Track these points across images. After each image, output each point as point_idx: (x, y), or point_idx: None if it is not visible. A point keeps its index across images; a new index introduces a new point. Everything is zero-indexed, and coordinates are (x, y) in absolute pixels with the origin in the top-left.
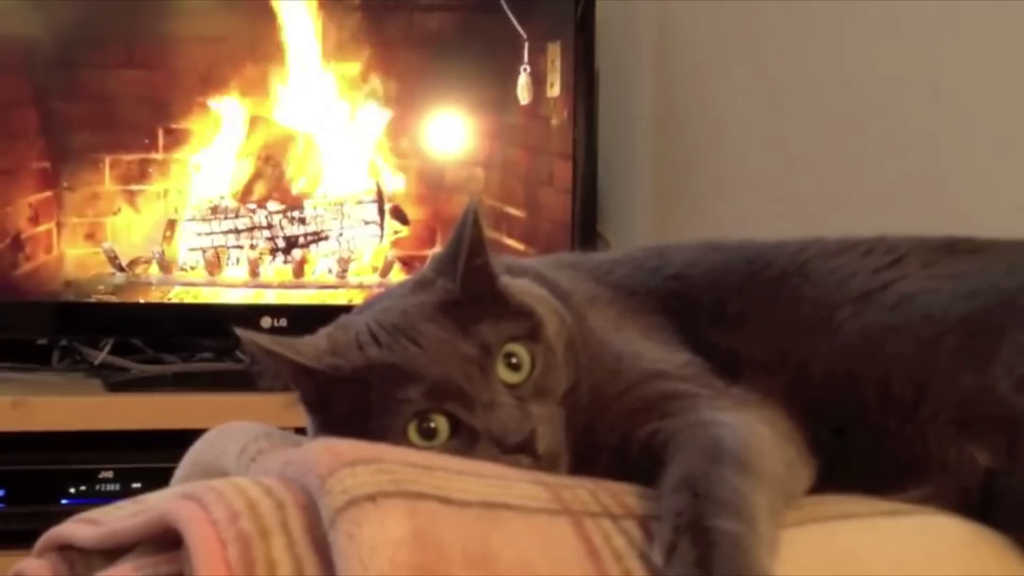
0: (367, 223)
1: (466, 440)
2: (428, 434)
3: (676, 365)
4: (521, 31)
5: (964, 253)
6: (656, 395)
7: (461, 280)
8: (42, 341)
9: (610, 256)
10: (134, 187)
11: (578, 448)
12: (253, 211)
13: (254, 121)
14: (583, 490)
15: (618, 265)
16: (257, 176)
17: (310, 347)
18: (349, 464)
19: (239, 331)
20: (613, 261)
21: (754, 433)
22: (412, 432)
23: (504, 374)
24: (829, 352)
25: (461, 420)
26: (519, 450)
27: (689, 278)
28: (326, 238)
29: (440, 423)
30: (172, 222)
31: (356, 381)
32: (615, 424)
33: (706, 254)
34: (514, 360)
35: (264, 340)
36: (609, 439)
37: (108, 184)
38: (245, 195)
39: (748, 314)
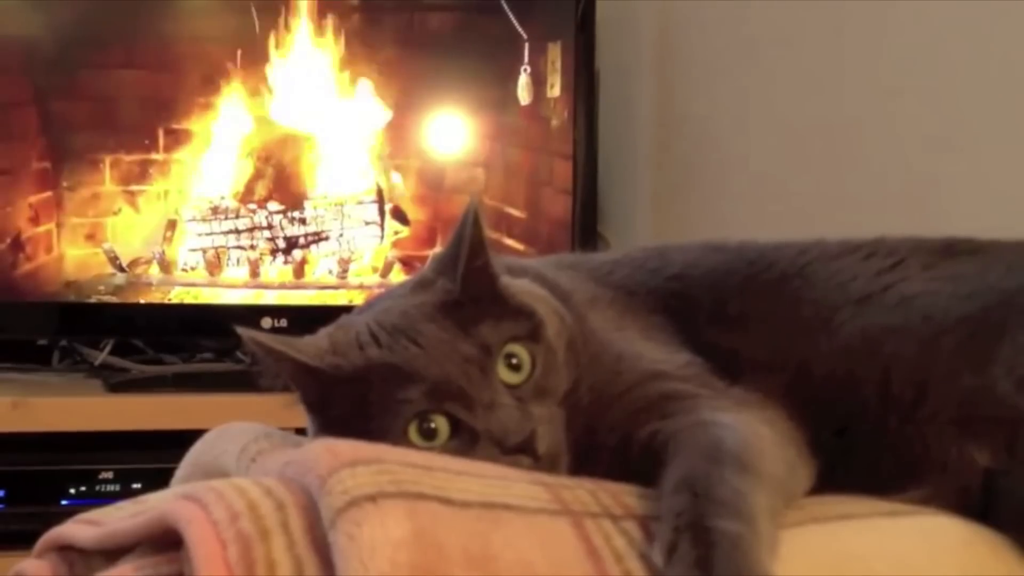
0: (367, 223)
1: (466, 440)
2: (428, 434)
3: (676, 365)
4: (521, 31)
5: (964, 254)
6: (656, 395)
7: (461, 280)
8: (42, 341)
9: (611, 257)
10: (134, 187)
11: (578, 448)
12: (253, 211)
13: (254, 121)
14: (583, 490)
15: (618, 266)
16: (257, 176)
17: (311, 346)
18: (349, 464)
19: (240, 329)
20: (614, 262)
21: (754, 433)
22: (413, 432)
23: (504, 375)
24: (829, 353)
25: (461, 421)
26: (519, 450)
27: (690, 278)
28: (326, 238)
29: (440, 423)
30: (172, 222)
31: (356, 381)
32: (615, 424)
33: (707, 255)
34: (514, 360)
35: (265, 338)
36: (609, 439)
37: (108, 184)
38: (245, 195)
39: (749, 315)
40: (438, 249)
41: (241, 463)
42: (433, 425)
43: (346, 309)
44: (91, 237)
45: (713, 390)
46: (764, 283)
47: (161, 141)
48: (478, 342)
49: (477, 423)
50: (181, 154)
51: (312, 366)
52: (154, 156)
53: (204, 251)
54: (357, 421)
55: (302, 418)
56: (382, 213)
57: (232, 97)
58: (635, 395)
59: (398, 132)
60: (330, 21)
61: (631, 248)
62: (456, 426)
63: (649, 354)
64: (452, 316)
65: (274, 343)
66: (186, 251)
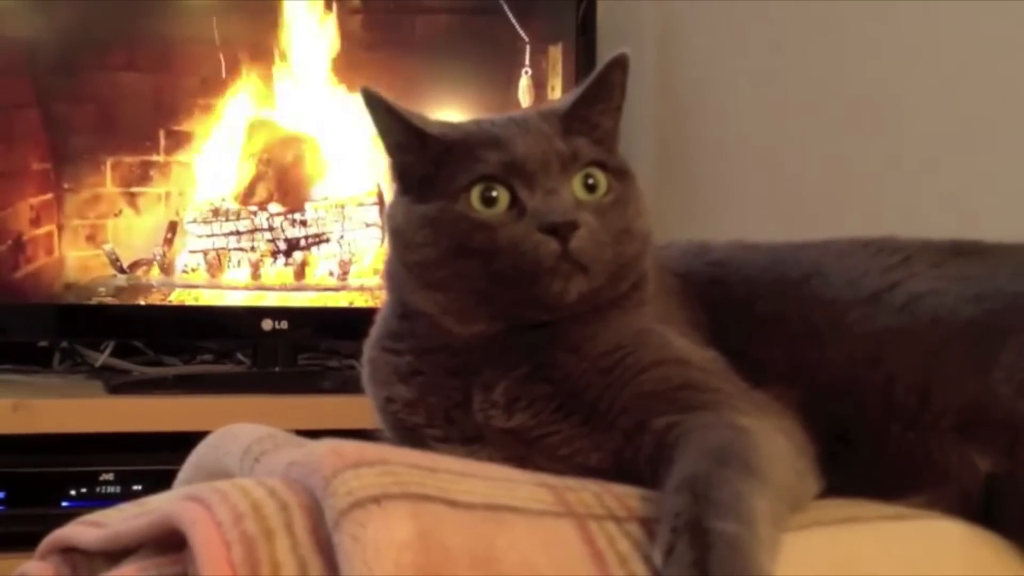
0: (368, 225)
1: (514, 216)
2: (488, 201)
3: (703, 358)
4: (522, 34)
5: (970, 255)
6: (679, 381)
7: (580, 104)
8: (43, 343)
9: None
10: (135, 189)
11: (589, 423)
12: (254, 213)
13: (255, 123)
14: (588, 492)
15: (665, 250)
16: (258, 178)
17: (422, 117)
18: (353, 466)
19: (363, 88)
20: (659, 248)
21: (768, 440)
22: (475, 195)
23: (579, 189)
24: (837, 359)
25: (519, 198)
26: (553, 231)
27: (730, 267)
28: (327, 240)
29: (502, 195)
30: (173, 224)
31: (454, 146)
32: (631, 404)
33: (742, 251)
34: (591, 181)
35: (384, 97)
36: (623, 421)
37: (109, 186)
38: (246, 197)
39: (774, 318)
40: None
41: (244, 464)
42: (494, 194)
43: (347, 311)
44: (92, 239)
45: (736, 388)
46: (790, 284)
47: (162, 143)
48: (571, 147)
49: (531, 201)
50: (182, 156)
51: (419, 128)
52: (155, 158)
53: (205, 253)
54: (438, 180)
55: (304, 420)
56: (383, 215)
57: (233, 99)
58: (656, 375)
59: None
60: (331, 23)
61: (673, 240)
62: (513, 203)
63: (678, 341)
64: (562, 124)
65: (390, 103)
66: (187, 253)
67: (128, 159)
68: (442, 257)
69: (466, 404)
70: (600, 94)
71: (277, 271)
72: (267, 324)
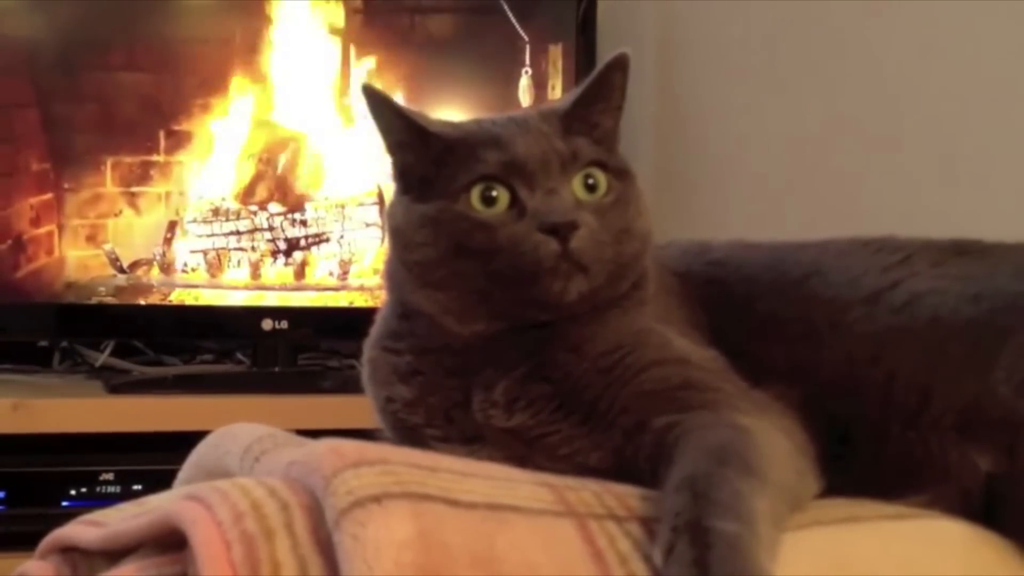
0: (368, 225)
1: (514, 216)
2: (488, 201)
3: (703, 357)
4: (522, 33)
5: (971, 254)
6: (679, 381)
7: (581, 103)
8: (43, 343)
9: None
10: (135, 189)
11: (589, 423)
12: (254, 213)
13: (255, 123)
14: (588, 492)
15: (665, 249)
16: (258, 178)
17: (424, 115)
18: (353, 465)
19: (364, 84)
20: (659, 247)
21: (768, 440)
22: (475, 195)
23: (579, 189)
24: (837, 358)
25: (519, 198)
26: (554, 231)
27: (729, 267)
28: (327, 240)
29: (501, 195)
30: (173, 224)
31: (454, 145)
32: (631, 403)
33: (743, 250)
34: (591, 181)
35: (385, 95)
36: (623, 421)
37: (109, 186)
38: (246, 197)
39: (774, 317)
40: None
41: (244, 463)
42: (494, 193)
43: (346, 311)
44: (92, 238)
45: (736, 387)
46: (789, 283)
47: (162, 143)
48: (571, 147)
49: (531, 201)
50: (182, 156)
51: (421, 126)
52: (155, 158)
53: (205, 253)
54: (438, 180)
55: (304, 420)
56: (383, 215)
57: (233, 99)
58: (656, 374)
59: None
60: (331, 23)
61: (673, 239)
62: (513, 202)
63: (678, 341)
64: (562, 124)
65: (393, 101)
66: (187, 253)
67: (128, 159)
68: (442, 257)
69: (466, 404)
70: (600, 94)
71: (277, 271)
72: (267, 324)
